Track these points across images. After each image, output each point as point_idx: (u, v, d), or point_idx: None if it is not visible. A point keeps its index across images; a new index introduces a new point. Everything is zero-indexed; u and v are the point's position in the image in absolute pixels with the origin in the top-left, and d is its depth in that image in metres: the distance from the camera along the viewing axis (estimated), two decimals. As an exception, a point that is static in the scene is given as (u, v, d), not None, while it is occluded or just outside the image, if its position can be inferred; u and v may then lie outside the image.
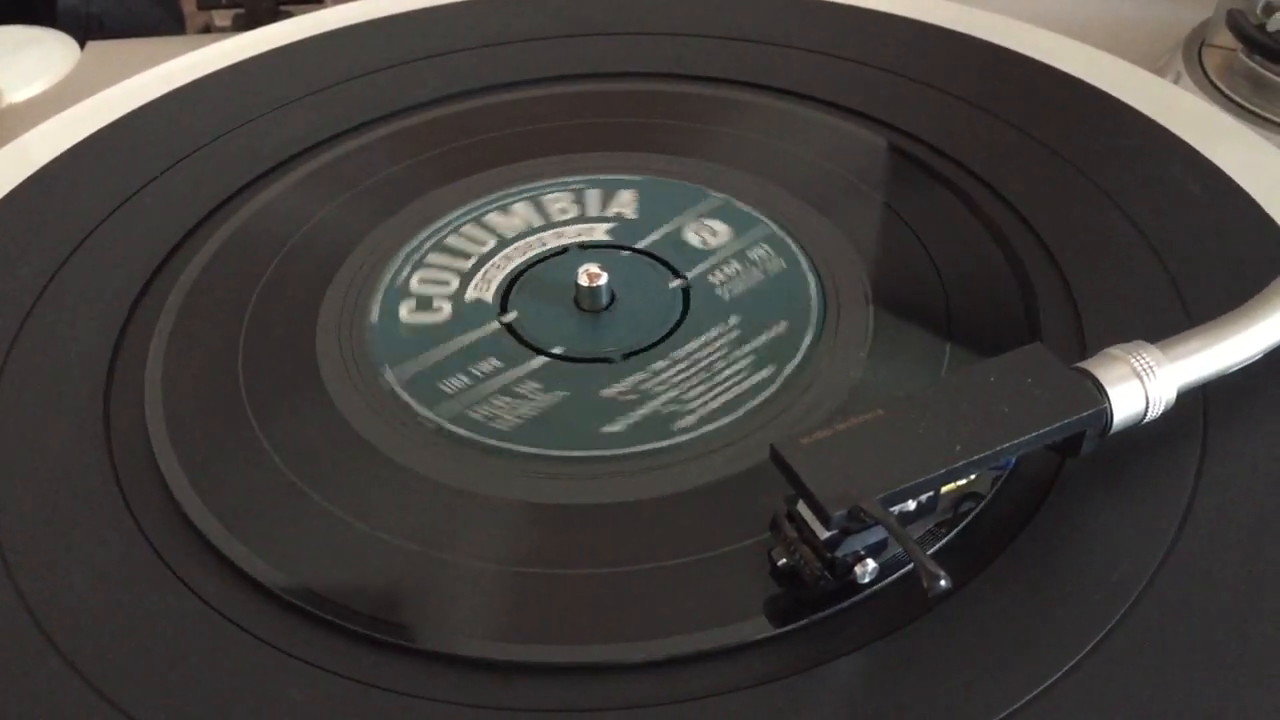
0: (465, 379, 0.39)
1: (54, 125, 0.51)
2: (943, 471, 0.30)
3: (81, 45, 0.68)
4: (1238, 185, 0.44)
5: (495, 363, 0.39)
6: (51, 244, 0.45)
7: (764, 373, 0.38)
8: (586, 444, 0.36)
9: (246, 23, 0.75)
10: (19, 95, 0.64)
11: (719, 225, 0.45)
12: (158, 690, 0.30)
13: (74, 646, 0.31)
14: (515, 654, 0.30)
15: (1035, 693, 0.28)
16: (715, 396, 0.38)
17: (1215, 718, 0.28)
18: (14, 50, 0.66)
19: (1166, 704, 0.28)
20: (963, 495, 0.33)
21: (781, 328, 0.40)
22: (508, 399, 0.38)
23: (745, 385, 0.38)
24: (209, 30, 0.78)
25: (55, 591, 0.32)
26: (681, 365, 0.39)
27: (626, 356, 0.39)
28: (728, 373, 0.38)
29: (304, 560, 0.33)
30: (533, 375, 0.39)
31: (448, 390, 0.38)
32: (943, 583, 0.27)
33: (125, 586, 0.32)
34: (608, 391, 0.38)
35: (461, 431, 0.37)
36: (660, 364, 0.39)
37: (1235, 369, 0.34)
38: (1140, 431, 0.33)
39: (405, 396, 0.38)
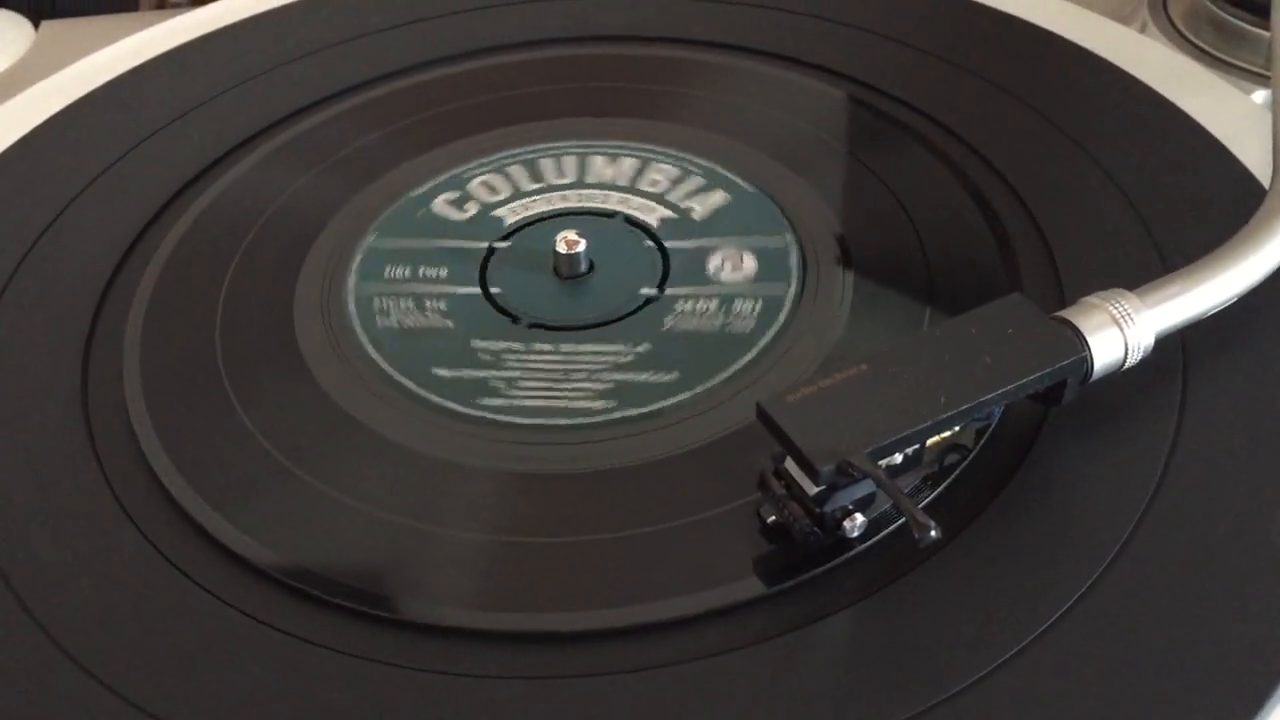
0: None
1: (12, 107, 0.50)
2: (929, 423, 0.30)
3: (36, 25, 0.66)
4: (1206, 131, 0.44)
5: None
6: (18, 228, 0.44)
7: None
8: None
9: (201, -4, 0.73)
10: (-26, 79, 0.62)
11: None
12: (140, 665, 0.30)
13: (62, 629, 0.31)
14: (503, 623, 0.30)
15: (1026, 642, 0.29)
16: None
17: (1201, 660, 0.28)
18: (-33, 33, 0.65)
19: (1155, 649, 0.28)
20: (948, 448, 0.33)
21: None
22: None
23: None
24: (164, 5, 0.77)
25: (36, 569, 0.32)
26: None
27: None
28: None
29: (284, 532, 0.33)
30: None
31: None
32: (933, 533, 0.27)
33: (105, 560, 0.32)
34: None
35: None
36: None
37: (1212, 313, 0.35)
38: (1121, 378, 0.33)
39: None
